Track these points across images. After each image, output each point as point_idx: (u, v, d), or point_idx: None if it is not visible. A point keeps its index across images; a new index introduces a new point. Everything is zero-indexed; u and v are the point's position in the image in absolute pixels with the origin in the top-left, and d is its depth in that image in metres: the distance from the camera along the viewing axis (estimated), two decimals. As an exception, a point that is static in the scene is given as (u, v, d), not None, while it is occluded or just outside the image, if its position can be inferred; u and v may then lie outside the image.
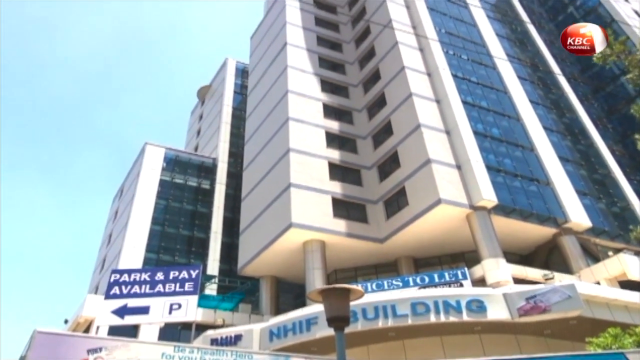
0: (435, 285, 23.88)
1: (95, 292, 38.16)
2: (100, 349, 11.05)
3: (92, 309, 27.46)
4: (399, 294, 21.63)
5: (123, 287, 17.75)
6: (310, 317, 21.09)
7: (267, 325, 22.54)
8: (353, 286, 6.74)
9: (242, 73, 57.24)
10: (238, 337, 22.28)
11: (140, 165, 42.82)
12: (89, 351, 10.95)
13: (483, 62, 36.91)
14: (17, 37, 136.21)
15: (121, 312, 17.19)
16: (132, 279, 17.94)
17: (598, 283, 24.34)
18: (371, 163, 32.51)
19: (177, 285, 17.78)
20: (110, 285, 17.87)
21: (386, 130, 32.59)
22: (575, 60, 46.42)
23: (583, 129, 37.03)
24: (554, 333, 20.95)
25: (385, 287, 24.35)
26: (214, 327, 26.53)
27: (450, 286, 23.64)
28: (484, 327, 20.54)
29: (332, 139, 33.34)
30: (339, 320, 6.66)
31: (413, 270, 29.48)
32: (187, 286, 17.77)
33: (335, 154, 32.38)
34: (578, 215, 28.41)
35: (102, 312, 17.62)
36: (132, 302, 17.39)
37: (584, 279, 24.74)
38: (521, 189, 28.63)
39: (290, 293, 33.91)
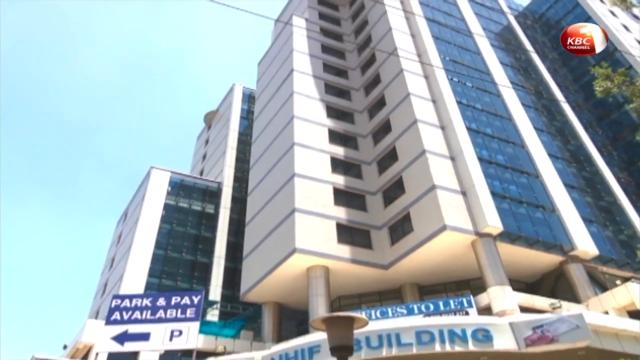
0: (441, 314, 23.53)
1: (96, 317, 37.82)
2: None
3: (92, 335, 27.12)
4: (404, 322, 21.31)
5: (124, 313, 17.59)
6: (312, 345, 20.76)
7: (269, 353, 22.18)
8: (357, 314, 6.61)
9: (249, 98, 57.86)
10: (239, 365, 21.92)
11: (145, 189, 42.96)
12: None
13: (487, 89, 37.15)
14: (28, 59, 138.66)
15: (121, 338, 16.99)
16: (133, 305, 17.78)
17: (606, 313, 23.91)
18: (376, 189, 32.46)
19: (179, 311, 17.61)
20: (111, 311, 17.71)
21: (391, 156, 32.64)
22: (579, 88, 46.67)
23: (588, 156, 36.97)
24: (562, 364, 20.48)
25: (390, 314, 24.01)
26: (215, 354, 26.15)
27: (455, 314, 23.28)
28: (490, 357, 20.11)
29: (337, 165, 33.39)
30: (342, 349, 6.51)
31: (418, 297, 29.12)
32: (189, 312, 17.59)
33: (340, 180, 32.37)
34: (585, 243, 28.11)
35: (102, 338, 17.44)
36: (133, 328, 17.20)
37: (592, 308, 24.33)
38: (527, 215, 28.43)
39: (293, 320, 33.47)
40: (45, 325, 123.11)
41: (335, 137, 35.32)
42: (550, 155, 33.86)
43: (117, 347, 17.13)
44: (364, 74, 40.77)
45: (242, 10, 13.22)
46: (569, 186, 32.23)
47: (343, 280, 29.21)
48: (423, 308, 24.29)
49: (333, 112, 37.37)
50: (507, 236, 26.78)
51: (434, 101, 33.99)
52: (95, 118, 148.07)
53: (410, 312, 24.09)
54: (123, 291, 33.63)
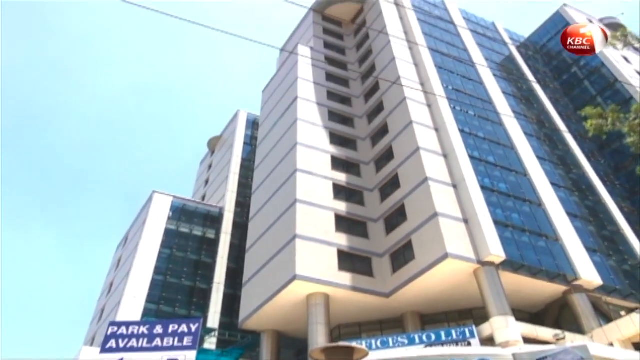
0: (442, 344, 23.16)
1: (91, 344, 37.31)
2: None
3: (87, 362, 26.71)
4: (405, 353, 20.98)
5: (120, 341, 17.31)
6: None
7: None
8: (357, 345, 6.52)
9: (253, 125, 58.31)
10: (237, 394, 21.50)
11: (147, 214, 42.93)
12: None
13: (490, 118, 37.39)
14: (37, 81, 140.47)
15: (116, 367, 16.68)
16: (129, 332, 17.52)
17: (611, 344, 23.49)
18: (378, 215, 32.35)
19: (176, 339, 17.32)
20: (107, 338, 17.45)
21: (393, 183, 32.65)
22: (580, 118, 46.84)
23: (590, 185, 36.92)
24: (567, 398, 20.00)
25: (391, 344, 23.64)
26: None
27: (457, 345, 22.91)
28: (493, 390, 19.68)
29: (339, 191, 33.38)
30: (340, 380, 6.39)
31: (419, 326, 28.69)
32: (186, 341, 17.31)
33: (342, 206, 32.31)
34: (588, 273, 27.82)
35: (97, 366, 17.11)
36: (129, 357, 16.90)
37: (597, 339, 23.91)
38: (529, 244, 28.23)
39: (291, 349, 32.96)
40: (40, 350, 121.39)
41: (337, 163, 35.42)
42: (552, 184, 33.82)
43: (112, 375, 16.81)
44: (368, 102, 41.13)
45: (248, 40, 13.44)
46: (571, 215, 32.09)
47: (343, 308, 28.86)
48: (424, 338, 23.92)
49: (336, 139, 37.57)
50: (510, 265, 26.55)
51: (436, 129, 34.17)
52: (99, 141, 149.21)
53: (412, 342, 23.72)
54: (120, 317, 33.27)
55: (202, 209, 46.95)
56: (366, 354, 6.32)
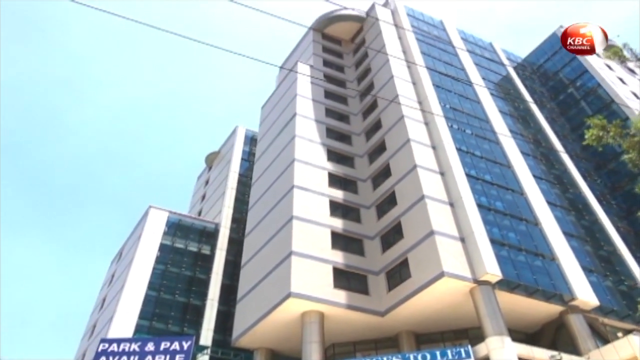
0: (438, 364, 22.86)
1: (82, 361, 36.81)
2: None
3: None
4: (399, 372, 20.67)
5: (111, 358, 17.13)
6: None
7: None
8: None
9: (251, 141, 58.46)
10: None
11: (142, 229, 42.71)
12: None
13: (487, 137, 37.53)
14: (32, 94, 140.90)
15: (106, 383, 16.42)
16: (121, 349, 17.34)
17: (608, 366, 23.23)
18: (374, 233, 32.23)
19: (168, 357, 17.17)
20: (98, 355, 17.25)
21: (390, 201, 32.60)
22: (577, 137, 47.11)
23: (587, 204, 36.92)
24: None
25: (385, 364, 23.33)
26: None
27: (453, 365, 22.61)
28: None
29: (336, 208, 33.29)
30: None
31: (414, 346, 28.36)
32: (178, 358, 17.12)
33: (338, 223, 32.20)
34: (585, 293, 27.64)
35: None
36: (118, 374, 16.68)
37: (594, 361, 23.65)
38: (526, 263, 28.10)
39: (285, 367, 32.51)
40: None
41: (334, 180, 35.41)
42: (549, 203, 33.82)
43: (101, 393, 16.55)
44: (366, 119, 41.31)
45: (249, 58, 13.54)
46: (568, 234, 32.02)
47: (338, 327, 28.56)
48: (420, 358, 23.65)
49: (334, 155, 37.62)
50: (506, 284, 26.38)
51: (433, 147, 34.27)
52: (98, 154, 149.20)
53: (407, 362, 23.41)
54: (112, 333, 32.84)
55: (198, 224, 46.76)
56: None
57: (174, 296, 39.21)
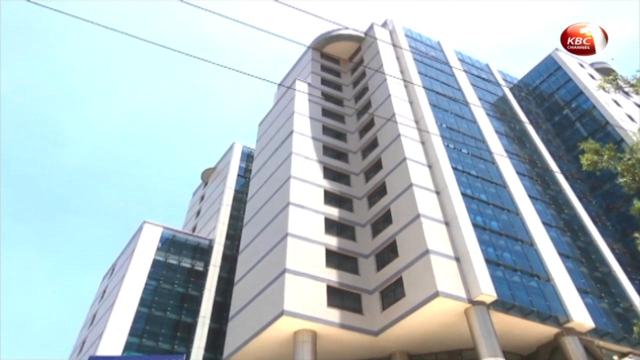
0: (431, 385, 22.52)
1: (70, 378, 36.15)
2: None
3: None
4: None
5: (97, 373, 16.75)
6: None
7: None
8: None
9: (248, 157, 58.51)
10: None
11: (136, 244, 42.39)
12: None
13: (483, 156, 37.63)
14: (26, 107, 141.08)
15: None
16: (107, 365, 16.98)
17: (604, 390, 22.92)
18: (369, 251, 32.04)
19: (155, 373, 16.78)
20: (85, 370, 16.88)
21: (385, 219, 32.49)
22: (572, 158, 47.30)
23: (582, 225, 36.88)
24: None
25: (378, 384, 22.96)
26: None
27: (447, 387, 22.28)
28: None
29: (331, 226, 33.15)
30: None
31: (408, 367, 27.97)
32: (166, 374, 16.76)
33: (333, 241, 32.02)
34: (580, 315, 27.40)
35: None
36: (104, 390, 16.32)
37: (590, 385, 23.34)
38: (521, 284, 27.88)
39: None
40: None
41: (330, 198, 35.33)
42: (544, 223, 33.74)
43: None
44: (362, 138, 41.43)
45: (247, 75, 13.57)
46: (563, 255, 31.88)
47: (330, 346, 28.15)
48: (413, 378, 23.28)
49: (330, 173, 37.62)
50: (501, 305, 26.14)
51: (429, 166, 34.31)
52: (93, 168, 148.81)
53: (400, 383, 23.05)
54: (101, 350, 32.32)
55: (192, 240, 46.45)
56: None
57: (166, 313, 38.70)
